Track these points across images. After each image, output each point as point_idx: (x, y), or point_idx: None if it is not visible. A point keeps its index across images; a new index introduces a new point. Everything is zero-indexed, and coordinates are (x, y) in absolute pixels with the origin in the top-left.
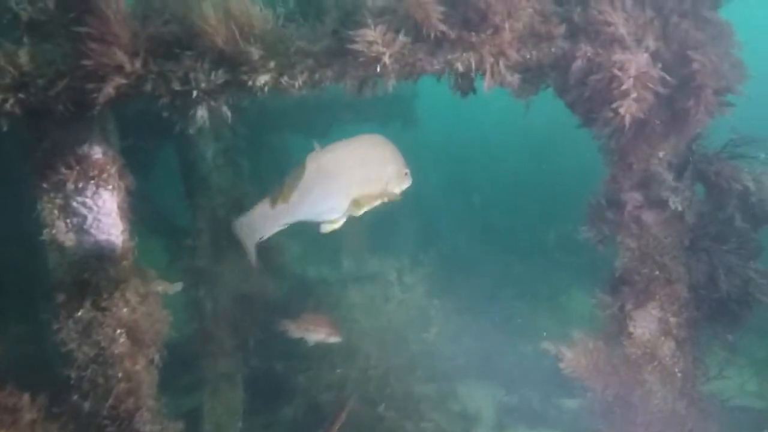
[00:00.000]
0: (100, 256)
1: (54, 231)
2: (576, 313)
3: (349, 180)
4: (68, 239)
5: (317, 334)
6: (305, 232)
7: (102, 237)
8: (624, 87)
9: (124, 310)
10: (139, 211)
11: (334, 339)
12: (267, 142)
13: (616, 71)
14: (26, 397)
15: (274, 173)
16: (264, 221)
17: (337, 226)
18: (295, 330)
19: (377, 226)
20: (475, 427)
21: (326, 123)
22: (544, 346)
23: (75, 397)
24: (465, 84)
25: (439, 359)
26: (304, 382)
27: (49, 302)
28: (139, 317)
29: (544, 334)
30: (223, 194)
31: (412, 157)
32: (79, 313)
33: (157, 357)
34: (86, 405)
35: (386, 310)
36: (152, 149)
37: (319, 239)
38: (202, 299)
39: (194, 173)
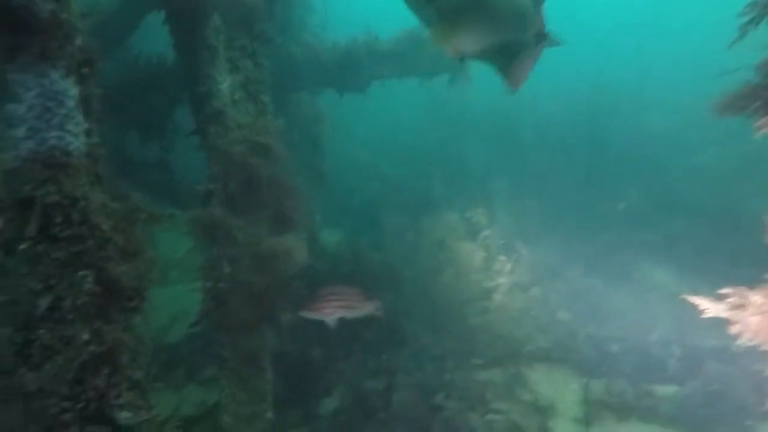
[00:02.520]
0: (49, 161)
1: None
2: (657, 291)
3: None
4: (1, 138)
5: (356, 311)
6: None
7: (51, 134)
8: None
9: (89, 242)
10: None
11: (376, 311)
12: (295, 100)
13: None
14: None
15: (300, 134)
16: None
17: None
18: (323, 310)
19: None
20: (553, 420)
21: (364, 78)
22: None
23: (20, 369)
24: None
25: (504, 341)
26: (346, 370)
27: None
28: (114, 254)
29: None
30: (242, 132)
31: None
32: (22, 246)
33: (142, 312)
34: (36, 380)
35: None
36: (165, 110)
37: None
38: (218, 259)
39: (207, 108)
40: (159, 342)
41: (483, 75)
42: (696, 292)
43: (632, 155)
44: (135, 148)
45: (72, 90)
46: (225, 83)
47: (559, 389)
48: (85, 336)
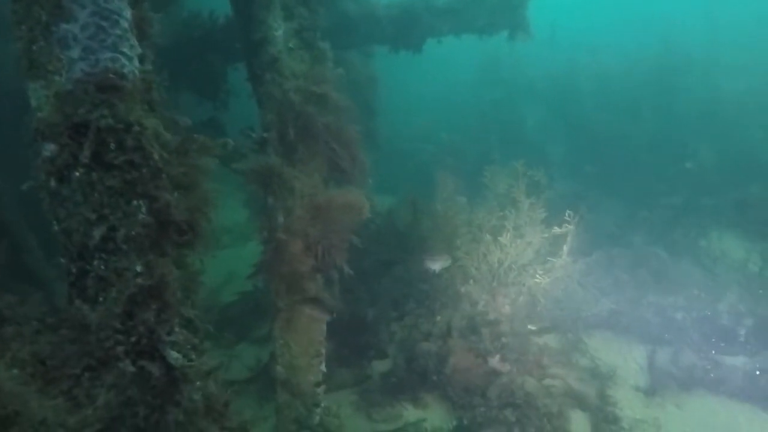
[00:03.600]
0: (103, 84)
1: (35, 47)
2: (724, 260)
3: None
4: (54, 59)
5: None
6: None
7: (105, 55)
8: None
9: (143, 170)
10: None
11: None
12: (347, 59)
13: None
14: (9, 298)
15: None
16: None
17: None
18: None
19: None
20: (613, 387)
21: (420, 35)
22: None
23: (76, 301)
24: None
25: (562, 306)
26: (399, 332)
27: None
28: (167, 184)
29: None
30: (297, 80)
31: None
32: (77, 174)
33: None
34: (91, 313)
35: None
36: (220, 68)
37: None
38: (272, 209)
39: (262, 55)
40: (211, 302)
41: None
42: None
43: (703, 116)
44: (187, 106)
45: (126, 11)
46: (280, 30)
47: (620, 356)
48: (138, 268)
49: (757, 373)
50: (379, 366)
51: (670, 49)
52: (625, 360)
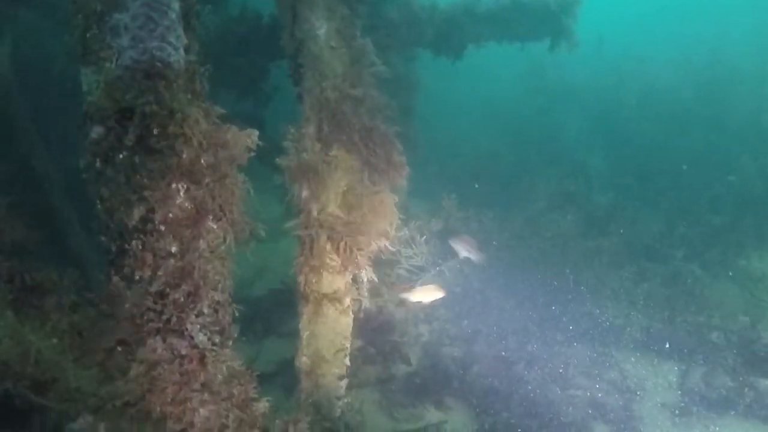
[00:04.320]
0: (150, 71)
1: (88, 35)
2: (765, 282)
3: None
4: (106, 47)
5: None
6: None
7: (153, 44)
8: None
9: (184, 156)
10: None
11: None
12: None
13: None
14: (50, 272)
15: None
16: None
17: None
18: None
19: None
20: (639, 402)
21: (461, 41)
22: None
23: (114, 278)
24: None
25: (591, 316)
26: (425, 335)
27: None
28: (204, 169)
29: None
30: (336, 78)
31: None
32: (121, 156)
33: (233, 234)
34: (128, 290)
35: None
36: (262, 65)
37: None
38: (307, 202)
39: (304, 53)
40: (242, 294)
41: (584, 42)
42: None
43: (750, 131)
44: (228, 101)
45: (175, 3)
46: (323, 28)
47: (650, 372)
48: (173, 249)
49: None
50: (404, 366)
51: (719, 60)
52: (655, 376)
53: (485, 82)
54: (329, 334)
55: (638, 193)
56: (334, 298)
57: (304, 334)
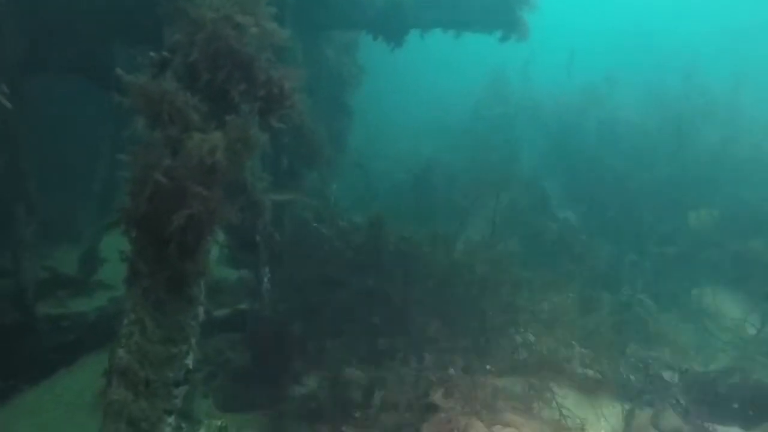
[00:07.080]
0: None
1: None
2: (719, 319)
3: None
4: None
5: None
6: None
7: None
8: None
9: None
10: None
11: None
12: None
13: None
14: None
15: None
16: None
17: None
18: None
19: None
20: None
21: (402, 24)
22: None
23: None
24: None
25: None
26: (331, 350)
27: None
28: None
29: None
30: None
31: None
32: None
33: None
34: None
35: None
36: None
37: None
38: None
39: None
40: None
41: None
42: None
43: (717, 168)
44: None
45: None
46: None
47: (591, 411)
48: None
49: None
50: (302, 387)
51: (692, 89)
52: (597, 416)
53: (445, 85)
54: (165, 322)
55: (592, 221)
56: (179, 281)
57: (128, 318)
